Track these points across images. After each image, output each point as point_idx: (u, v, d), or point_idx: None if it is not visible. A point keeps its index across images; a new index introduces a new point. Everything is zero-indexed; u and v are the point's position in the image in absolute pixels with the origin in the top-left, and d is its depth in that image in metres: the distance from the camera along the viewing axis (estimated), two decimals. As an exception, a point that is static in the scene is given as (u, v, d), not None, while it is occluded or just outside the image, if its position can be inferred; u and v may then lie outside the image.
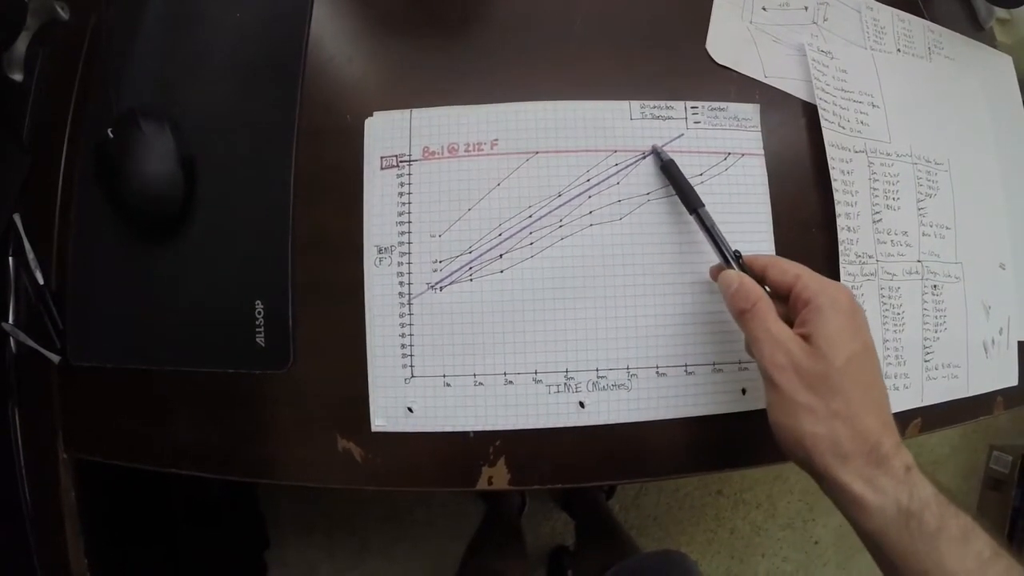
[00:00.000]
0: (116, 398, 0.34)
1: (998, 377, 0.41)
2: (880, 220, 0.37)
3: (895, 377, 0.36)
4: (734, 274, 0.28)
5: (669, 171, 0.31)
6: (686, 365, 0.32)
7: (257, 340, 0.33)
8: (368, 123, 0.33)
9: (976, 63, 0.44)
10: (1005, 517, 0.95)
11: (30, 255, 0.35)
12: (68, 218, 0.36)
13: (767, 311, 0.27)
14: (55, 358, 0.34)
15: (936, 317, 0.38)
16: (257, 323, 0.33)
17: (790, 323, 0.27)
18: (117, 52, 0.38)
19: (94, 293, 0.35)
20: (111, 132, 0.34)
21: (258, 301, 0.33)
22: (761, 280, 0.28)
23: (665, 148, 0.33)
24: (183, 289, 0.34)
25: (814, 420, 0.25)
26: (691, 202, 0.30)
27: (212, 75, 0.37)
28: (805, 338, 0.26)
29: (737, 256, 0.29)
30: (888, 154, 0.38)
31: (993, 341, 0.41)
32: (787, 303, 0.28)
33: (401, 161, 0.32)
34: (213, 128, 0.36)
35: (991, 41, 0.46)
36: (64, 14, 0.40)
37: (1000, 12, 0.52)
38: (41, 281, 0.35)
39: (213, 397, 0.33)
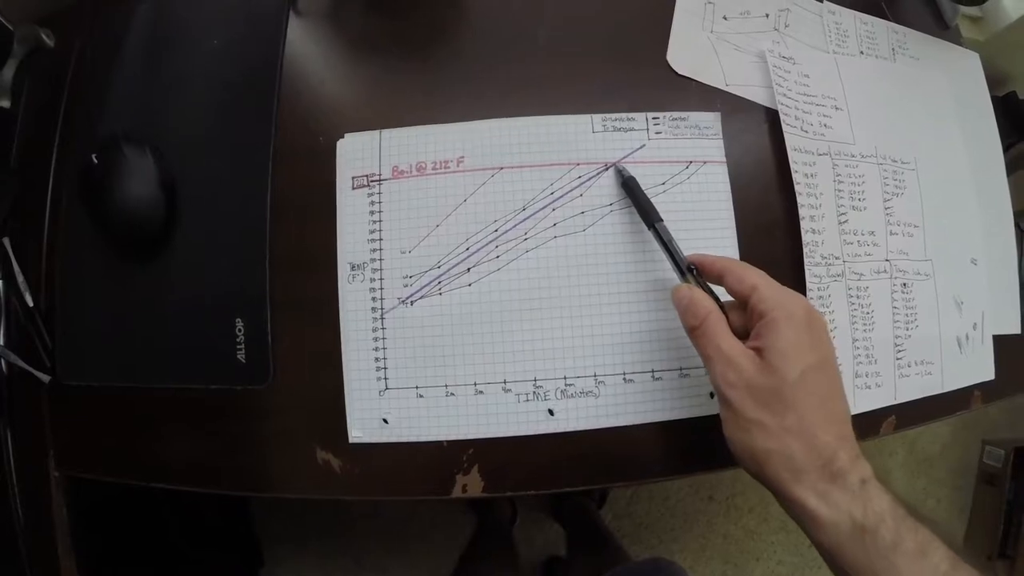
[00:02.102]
0: (105, 416, 0.35)
1: (974, 372, 0.41)
2: (846, 221, 0.37)
3: (866, 376, 0.37)
4: (685, 290, 0.28)
5: (629, 187, 0.32)
6: (653, 371, 0.32)
7: (238, 357, 0.34)
8: (340, 144, 0.34)
9: (942, 61, 0.44)
10: (1000, 511, 0.95)
11: (19, 277, 0.36)
12: (56, 241, 0.37)
13: (716, 326, 0.27)
14: (45, 378, 0.35)
15: (907, 315, 0.39)
16: (238, 340, 0.34)
17: (747, 332, 0.27)
18: (100, 78, 0.40)
19: (82, 314, 0.36)
20: (95, 157, 0.35)
21: (238, 319, 0.34)
22: (719, 284, 0.29)
23: (627, 159, 0.33)
24: (167, 308, 0.35)
25: (766, 436, 0.25)
26: (649, 217, 0.31)
27: (191, 100, 0.38)
28: (759, 352, 0.26)
29: (691, 269, 0.29)
30: (853, 155, 0.38)
31: (967, 336, 0.42)
32: (745, 310, 0.28)
33: (372, 180, 0.33)
34: (193, 151, 0.37)
35: (957, 39, 0.46)
36: (49, 41, 0.41)
37: (972, 10, 0.53)
38: (31, 303, 0.36)
39: (197, 413, 0.34)
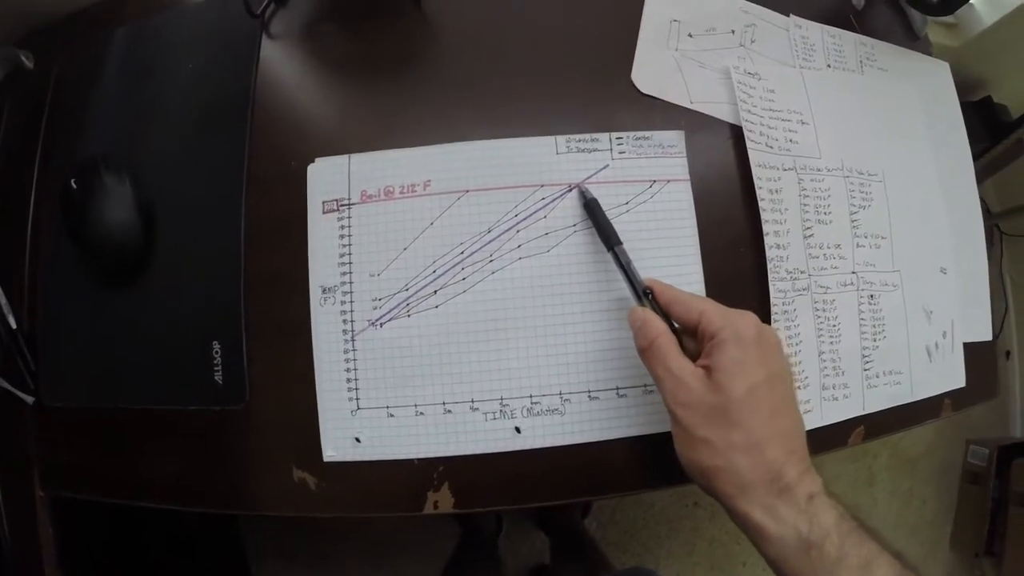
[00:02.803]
0: (88, 436, 0.36)
1: (944, 380, 0.42)
2: (812, 235, 0.38)
3: (833, 388, 0.38)
4: (638, 311, 0.29)
5: (590, 209, 0.33)
6: (617, 388, 0.33)
7: (215, 378, 0.35)
8: (311, 169, 0.35)
9: (911, 72, 0.45)
10: (985, 510, 0.96)
11: (2, 300, 0.37)
12: (37, 263, 0.38)
13: (666, 347, 0.27)
14: (29, 399, 0.36)
15: (874, 326, 0.39)
16: (215, 363, 0.35)
17: (699, 356, 0.28)
18: (78, 101, 0.40)
19: (64, 336, 0.37)
20: (74, 182, 0.36)
21: (215, 342, 0.35)
22: (667, 314, 0.29)
23: (590, 180, 0.34)
24: (147, 331, 0.36)
25: (712, 453, 0.26)
26: (609, 240, 0.32)
27: (167, 125, 0.38)
28: (708, 371, 0.26)
29: (647, 293, 0.30)
30: (818, 169, 0.39)
31: (937, 345, 0.42)
32: (695, 338, 0.28)
33: (341, 205, 0.34)
34: (170, 175, 0.37)
35: (927, 49, 0.47)
36: (29, 63, 0.42)
37: (945, 17, 0.53)
38: (14, 325, 0.37)
39: (177, 433, 0.35)
